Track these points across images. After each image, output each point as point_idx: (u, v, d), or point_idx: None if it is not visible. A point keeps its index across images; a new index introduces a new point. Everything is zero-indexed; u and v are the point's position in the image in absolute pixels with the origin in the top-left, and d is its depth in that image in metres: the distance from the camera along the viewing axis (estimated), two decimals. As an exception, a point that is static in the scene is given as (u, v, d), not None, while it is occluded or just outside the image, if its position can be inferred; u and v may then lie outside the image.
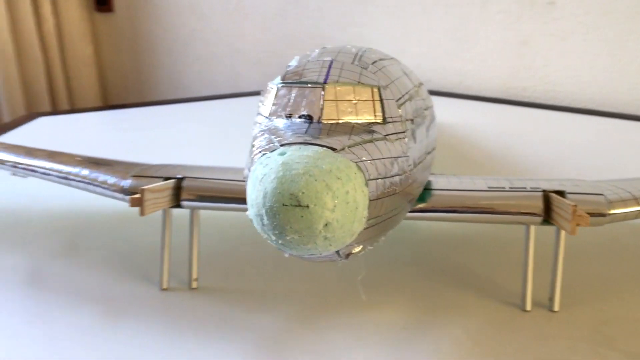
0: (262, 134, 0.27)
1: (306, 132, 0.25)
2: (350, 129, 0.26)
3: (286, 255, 0.26)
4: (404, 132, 0.29)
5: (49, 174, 0.48)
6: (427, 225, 0.50)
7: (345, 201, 0.23)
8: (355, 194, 0.24)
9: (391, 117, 0.28)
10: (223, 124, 1.03)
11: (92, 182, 0.45)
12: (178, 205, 0.43)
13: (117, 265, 0.50)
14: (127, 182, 0.44)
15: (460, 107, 1.04)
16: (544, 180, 0.43)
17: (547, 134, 0.90)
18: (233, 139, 0.86)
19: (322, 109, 0.27)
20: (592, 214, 0.39)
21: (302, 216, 0.23)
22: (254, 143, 0.27)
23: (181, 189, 0.42)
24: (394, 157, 0.27)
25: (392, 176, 0.27)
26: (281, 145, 0.24)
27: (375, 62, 0.30)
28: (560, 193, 0.40)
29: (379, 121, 0.27)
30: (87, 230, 0.57)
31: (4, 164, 0.51)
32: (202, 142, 0.90)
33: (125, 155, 0.64)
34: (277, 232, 0.24)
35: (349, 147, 0.25)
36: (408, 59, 1.16)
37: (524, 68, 1.04)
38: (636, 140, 0.86)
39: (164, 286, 0.45)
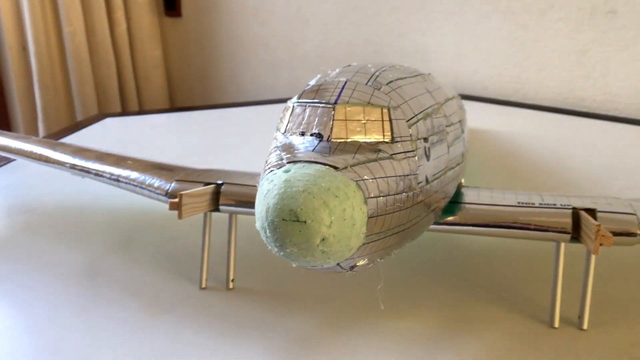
0: (275, 150, 0.28)
1: (314, 150, 0.27)
2: (357, 148, 0.27)
3: (293, 265, 0.27)
4: (413, 151, 0.29)
5: (101, 176, 0.51)
6: (457, 237, 0.50)
7: (342, 218, 0.24)
8: (352, 211, 0.25)
9: (400, 137, 0.29)
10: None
11: (139, 185, 0.48)
12: (217, 209, 0.45)
13: (163, 263, 0.53)
14: (170, 186, 0.47)
15: (516, 116, 1.03)
16: (578, 197, 0.42)
17: (603, 145, 0.87)
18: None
19: (331, 128, 0.28)
20: (622, 234, 0.38)
21: (300, 231, 0.24)
22: (267, 159, 0.28)
23: (220, 194, 0.45)
24: (400, 176, 0.28)
25: (397, 194, 0.28)
26: (287, 163, 0.26)
27: (391, 82, 0.31)
28: (591, 211, 0.40)
29: (387, 140, 0.28)
30: (140, 228, 0.60)
31: (63, 165, 0.55)
32: (260, 146, 0.93)
33: (185, 157, 0.67)
34: (278, 244, 0.25)
35: (352, 165, 0.26)
36: (465, 66, 1.16)
37: (582, 78, 1.02)
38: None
39: (203, 285, 0.48)
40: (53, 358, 0.40)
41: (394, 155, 0.28)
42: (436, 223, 0.41)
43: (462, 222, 0.41)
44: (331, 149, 0.27)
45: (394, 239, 0.29)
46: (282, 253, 0.25)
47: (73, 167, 0.54)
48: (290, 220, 0.24)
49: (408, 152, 0.29)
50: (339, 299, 0.46)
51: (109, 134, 1.02)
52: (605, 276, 0.46)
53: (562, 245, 0.40)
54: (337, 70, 0.33)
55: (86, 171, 0.53)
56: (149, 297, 0.47)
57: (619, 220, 0.39)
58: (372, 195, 0.26)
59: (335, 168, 0.25)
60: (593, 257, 0.40)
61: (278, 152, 0.28)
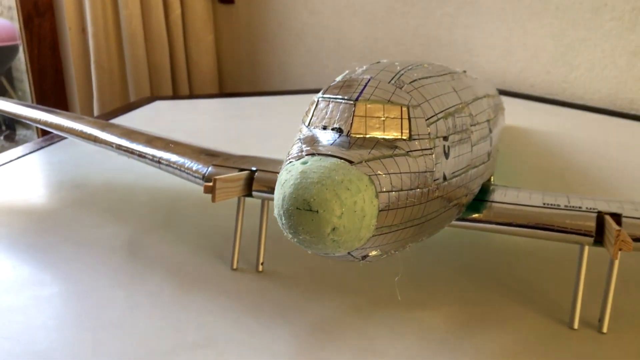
0: (298, 142, 0.30)
1: (334, 143, 0.28)
2: (374, 143, 0.28)
3: (308, 252, 0.28)
4: (431, 149, 0.30)
5: (144, 157, 0.54)
6: (482, 234, 0.50)
7: (353, 210, 0.26)
8: (363, 204, 0.26)
9: (418, 135, 0.30)
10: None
11: (179, 168, 0.50)
12: (250, 195, 0.47)
13: (198, 242, 0.55)
14: (207, 170, 0.49)
15: (562, 115, 1.01)
16: (606, 200, 0.42)
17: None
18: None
19: (351, 124, 0.29)
20: (647, 240, 0.38)
21: (312, 220, 0.25)
22: (289, 151, 0.30)
23: (253, 180, 0.46)
24: (415, 172, 0.29)
25: (410, 189, 0.29)
26: (306, 155, 0.27)
27: (414, 80, 0.32)
28: (617, 216, 0.40)
29: (404, 138, 0.29)
30: (179, 209, 0.63)
31: (110, 146, 0.58)
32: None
33: (229, 141, 0.69)
34: (292, 231, 0.26)
35: (367, 160, 0.27)
36: (512, 63, 1.14)
37: (633, 79, 0.99)
38: None
39: (234, 267, 0.50)
40: (91, 326, 0.43)
41: (410, 152, 0.29)
42: (461, 219, 0.42)
43: (486, 220, 0.42)
44: (350, 143, 0.28)
45: (407, 232, 0.30)
46: (295, 240, 0.27)
47: (119, 147, 0.57)
48: (303, 210, 0.25)
49: (425, 149, 0.30)
50: (362, 287, 0.47)
51: (158, 116, 1.05)
52: (630, 281, 0.46)
53: (586, 248, 0.41)
54: (365, 67, 0.34)
55: (130, 152, 0.55)
56: (183, 274, 0.50)
57: (645, 225, 0.39)
58: (385, 189, 0.27)
59: (351, 162, 0.27)
60: (617, 261, 0.40)
61: (299, 144, 0.29)
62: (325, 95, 0.31)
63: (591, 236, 0.39)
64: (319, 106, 0.31)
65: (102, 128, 0.60)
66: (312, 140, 0.29)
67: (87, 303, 0.46)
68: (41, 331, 0.42)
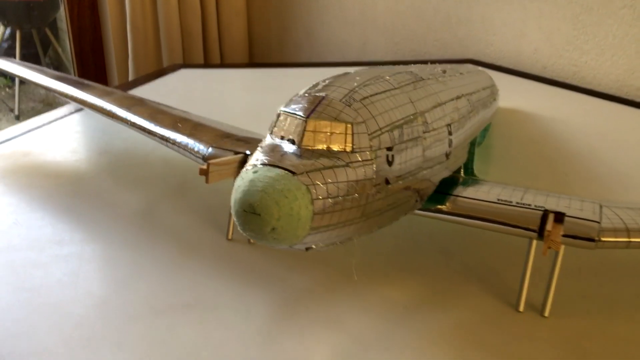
0: (259, 150, 0.34)
1: (285, 154, 0.32)
2: (319, 155, 0.33)
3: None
4: (371, 159, 0.35)
5: (154, 135, 0.59)
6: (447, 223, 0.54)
7: (289, 214, 0.30)
8: (299, 209, 0.31)
9: (360, 148, 0.34)
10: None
11: (183, 148, 0.56)
12: (243, 175, 0.52)
13: (202, 213, 0.61)
14: (207, 151, 0.54)
15: (570, 100, 1.03)
16: (558, 198, 0.46)
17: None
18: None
19: (302, 137, 0.33)
20: (582, 238, 0.42)
21: (255, 220, 0.30)
22: (251, 157, 0.35)
23: (246, 163, 0.51)
24: (353, 180, 0.33)
25: (348, 195, 0.33)
26: (260, 165, 0.32)
27: (365, 98, 0.36)
28: (561, 214, 0.44)
29: (347, 150, 0.34)
30: (189, 180, 0.68)
31: (117, 119, 0.63)
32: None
33: (248, 114, 0.74)
34: (241, 227, 0.32)
35: (308, 171, 0.32)
36: (526, 44, 1.16)
37: (641, 67, 1.00)
38: None
39: (229, 237, 0.55)
40: (100, 284, 0.49)
41: (350, 164, 0.33)
42: (425, 209, 0.47)
43: (447, 212, 0.46)
44: (300, 154, 0.33)
45: (347, 229, 0.35)
46: (245, 234, 0.32)
47: (133, 125, 0.62)
48: (249, 212, 0.30)
49: (366, 160, 0.34)
50: (337, 264, 0.52)
51: (181, 85, 1.10)
52: (574, 270, 0.50)
53: (534, 241, 0.45)
54: (327, 81, 0.38)
55: (142, 129, 0.61)
56: (185, 241, 0.55)
57: (583, 225, 0.43)
58: (320, 197, 0.32)
59: (294, 173, 0.31)
60: (561, 254, 0.45)
61: (258, 152, 0.34)
62: (285, 110, 0.36)
63: (535, 232, 0.43)
64: (280, 118, 0.35)
65: (128, 108, 0.66)
66: (269, 150, 0.33)
67: (98, 263, 0.52)
68: (58, 286, 0.48)
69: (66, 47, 2.52)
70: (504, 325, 0.45)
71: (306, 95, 0.36)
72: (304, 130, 0.33)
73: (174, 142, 0.56)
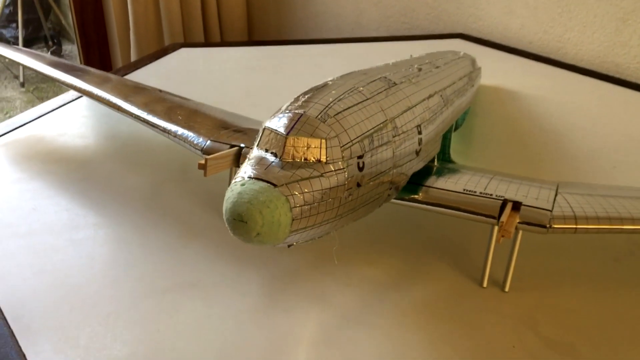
0: (246, 162, 0.39)
1: (269, 166, 0.37)
2: (298, 167, 0.38)
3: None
4: (343, 168, 0.40)
5: (155, 127, 0.64)
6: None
7: (271, 221, 0.35)
8: (279, 217, 0.36)
9: (332, 159, 0.39)
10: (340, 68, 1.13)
11: (183, 140, 0.61)
12: (238, 167, 0.57)
13: (201, 196, 0.66)
14: (206, 144, 0.59)
15: (552, 76, 1.07)
16: (521, 185, 0.51)
17: (626, 113, 0.92)
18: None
19: (283, 151, 0.38)
20: (536, 225, 0.48)
21: (243, 227, 0.35)
22: (240, 168, 0.40)
23: (241, 155, 0.56)
24: (327, 188, 0.38)
25: (322, 201, 0.38)
26: (247, 178, 0.37)
27: (338, 113, 0.41)
28: (518, 203, 0.49)
29: (322, 161, 0.39)
30: (190, 164, 0.73)
31: (116, 109, 0.68)
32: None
33: (248, 95, 0.77)
34: (231, 232, 0.37)
35: (287, 183, 0.37)
36: (513, 19, 1.19)
37: (619, 45, 1.03)
38: None
39: (227, 219, 0.61)
40: (112, 265, 0.55)
41: (324, 174, 0.38)
42: (401, 198, 0.52)
43: (420, 201, 0.51)
44: (281, 166, 0.38)
45: (324, 227, 0.40)
46: (235, 237, 0.37)
47: (132, 116, 0.66)
48: (237, 220, 0.36)
49: (338, 169, 0.39)
50: (322, 246, 0.57)
51: (182, 65, 1.14)
52: (534, 249, 0.55)
53: (495, 226, 0.50)
54: (307, 96, 0.43)
55: (141, 120, 0.65)
56: (187, 225, 0.61)
57: (537, 213, 0.48)
58: (297, 205, 0.37)
59: (275, 185, 0.36)
60: (519, 237, 0.50)
61: (246, 164, 0.39)
62: (269, 125, 0.40)
63: (495, 219, 0.49)
64: (264, 133, 0.40)
65: (125, 97, 0.70)
66: (255, 162, 0.38)
67: (110, 246, 0.58)
68: (76, 267, 0.54)
69: (67, 13, 2.53)
70: (469, 300, 0.51)
71: (287, 111, 0.41)
72: (284, 145, 0.38)
73: (175, 135, 0.61)
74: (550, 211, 0.48)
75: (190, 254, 0.56)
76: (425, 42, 1.28)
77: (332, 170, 0.39)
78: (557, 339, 0.47)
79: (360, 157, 0.41)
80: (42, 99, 2.79)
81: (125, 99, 0.69)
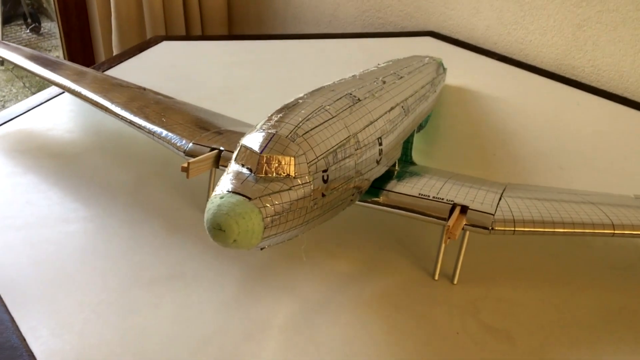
0: (225, 175, 0.44)
1: (244, 180, 0.43)
2: (269, 181, 0.43)
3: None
4: (309, 182, 0.45)
5: (141, 128, 0.68)
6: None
7: (245, 230, 0.41)
8: (253, 226, 0.41)
9: (300, 174, 0.44)
10: (314, 64, 1.17)
11: (167, 142, 0.65)
12: (217, 167, 0.62)
13: (182, 191, 0.70)
14: (188, 146, 0.63)
15: (515, 78, 1.13)
16: (470, 188, 0.57)
17: (577, 116, 0.98)
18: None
19: (257, 167, 0.44)
20: (479, 226, 0.53)
21: (221, 235, 0.41)
22: (222, 177, 0.45)
23: (221, 158, 0.61)
24: (295, 200, 0.44)
25: (290, 211, 0.44)
26: (225, 192, 0.42)
27: (306, 132, 0.46)
28: (465, 207, 0.55)
29: (292, 176, 0.44)
30: (171, 160, 0.78)
31: (113, 114, 0.72)
32: (303, 82, 1.07)
33: (229, 90, 0.82)
34: (211, 238, 0.42)
35: (260, 197, 0.42)
36: (480, 20, 1.24)
37: (575, 49, 1.09)
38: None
39: (207, 213, 0.66)
40: (102, 256, 0.59)
41: (292, 187, 0.44)
42: (364, 201, 0.57)
43: (381, 203, 0.57)
44: (256, 180, 0.43)
45: (293, 232, 0.46)
46: (214, 241, 0.42)
47: (123, 119, 0.71)
48: (216, 229, 0.41)
49: (305, 183, 0.44)
50: (294, 243, 0.62)
51: (168, 59, 1.16)
52: (481, 246, 0.61)
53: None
54: (279, 115, 0.48)
55: (128, 122, 0.70)
56: (170, 218, 0.66)
57: (481, 216, 0.54)
58: (269, 216, 0.42)
59: (249, 198, 0.42)
60: (467, 237, 0.56)
61: (225, 178, 0.44)
62: (244, 143, 0.45)
63: (446, 220, 0.54)
64: (241, 149, 0.45)
65: (105, 95, 0.74)
66: (233, 177, 0.43)
67: (100, 238, 0.62)
68: (69, 259, 0.59)
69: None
70: (422, 291, 0.57)
71: (262, 130, 0.46)
72: (258, 162, 0.44)
73: (159, 137, 0.66)
74: (493, 215, 0.54)
75: (174, 247, 0.61)
76: (397, 39, 1.33)
77: (299, 184, 0.44)
78: (496, 326, 0.53)
79: (325, 170, 0.46)
80: (21, 78, 2.79)
81: (109, 99, 0.73)
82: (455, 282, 0.58)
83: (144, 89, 0.82)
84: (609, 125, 0.95)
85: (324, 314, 0.54)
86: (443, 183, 0.59)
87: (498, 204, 0.56)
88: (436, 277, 0.58)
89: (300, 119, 0.47)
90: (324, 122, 0.48)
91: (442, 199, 0.55)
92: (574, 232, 0.53)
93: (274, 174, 0.43)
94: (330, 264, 0.60)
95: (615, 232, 0.52)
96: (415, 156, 0.71)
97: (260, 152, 0.44)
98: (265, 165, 0.43)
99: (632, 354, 0.51)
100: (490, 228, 0.53)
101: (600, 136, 0.91)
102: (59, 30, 1.96)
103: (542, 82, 1.10)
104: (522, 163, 0.82)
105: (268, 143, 0.44)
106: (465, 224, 0.54)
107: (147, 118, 0.68)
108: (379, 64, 0.75)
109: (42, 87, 2.65)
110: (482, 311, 0.55)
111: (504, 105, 1.00)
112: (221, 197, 0.42)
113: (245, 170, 0.44)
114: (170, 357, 0.49)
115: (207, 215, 0.42)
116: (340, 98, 0.53)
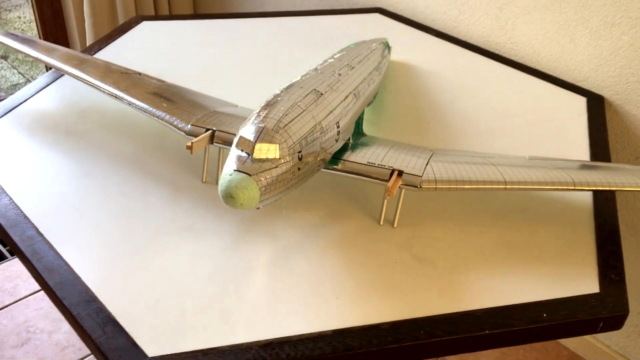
0: (230, 157, 0.60)
1: (245, 162, 0.59)
2: (262, 162, 0.59)
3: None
4: (289, 160, 0.61)
5: (133, 104, 0.82)
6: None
7: (248, 197, 0.57)
8: (253, 194, 0.57)
9: (283, 156, 0.60)
10: (274, 43, 1.30)
11: (164, 120, 0.79)
12: (212, 143, 0.77)
13: (181, 160, 0.85)
14: (187, 128, 0.78)
15: (450, 53, 1.29)
16: (407, 155, 0.74)
17: (500, 87, 1.15)
18: (277, 59, 1.16)
19: (252, 152, 0.59)
20: (411, 186, 0.71)
21: (232, 200, 0.57)
22: (227, 158, 0.60)
23: (214, 137, 0.76)
24: (280, 173, 0.60)
25: (277, 181, 0.60)
26: (233, 171, 0.58)
27: (286, 125, 0.62)
28: (400, 172, 0.72)
29: (277, 158, 0.60)
30: (169, 132, 0.92)
31: (111, 95, 0.85)
32: (273, 61, 1.20)
33: (210, 68, 0.96)
34: (224, 202, 0.58)
35: (256, 173, 0.58)
36: (421, 0, 1.38)
37: (499, 28, 1.26)
38: (566, 106, 1.11)
39: (204, 180, 0.81)
40: (119, 214, 0.75)
41: (278, 165, 0.60)
42: (328, 168, 0.74)
43: (340, 169, 0.74)
44: (252, 161, 0.59)
45: (279, 195, 0.62)
46: (226, 204, 0.58)
47: (119, 98, 0.84)
48: (228, 197, 0.57)
49: (286, 162, 0.60)
50: (276, 202, 0.79)
51: (150, 41, 1.25)
52: (415, 199, 0.79)
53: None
54: (265, 111, 0.63)
55: (129, 103, 0.83)
56: (172, 185, 0.80)
57: (412, 178, 0.71)
58: (263, 186, 0.58)
59: (250, 175, 0.58)
60: (402, 192, 0.73)
61: (230, 159, 0.60)
62: (242, 134, 0.61)
63: (387, 182, 0.72)
64: (240, 138, 0.61)
65: (103, 79, 0.87)
66: (236, 159, 0.59)
67: (120, 201, 0.77)
68: (94, 212, 0.74)
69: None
70: (370, 233, 0.75)
71: (254, 124, 0.61)
72: (253, 148, 0.60)
73: (160, 117, 0.80)
74: (421, 177, 0.71)
75: (182, 206, 0.77)
76: (349, 16, 1.47)
77: (282, 163, 0.60)
78: (424, 256, 0.71)
79: (299, 152, 0.62)
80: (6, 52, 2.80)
81: (120, 88, 0.86)
82: (395, 226, 0.75)
83: (139, 73, 0.95)
84: (524, 95, 1.13)
85: (299, 253, 0.71)
86: (385, 152, 0.75)
87: (425, 168, 0.73)
88: (381, 223, 0.76)
89: (280, 115, 0.63)
90: (297, 115, 0.64)
91: (384, 165, 0.72)
92: (478, 187, 0.71)
93: (265, 156, 0.60)
94: (303, 216, 0.76)
95: (507, 187, 0.71)
96: (366, 127, 0.88)
97: (255, 142, 0.60)
98: (259, 151, 0.59)
99: (523, 274, 0.70)
100: (419, 186, 0.71)
101: (515, 104, 1.09)
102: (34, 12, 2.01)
103: (472, 56, 1.27)
104: (449, 130, 0.99)
105: (259, 134, 0.60)
106: (401, 184, 0.71)
107: (151, 104, 0.82)
108: (334, 55, 0.90)
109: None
110: (414, 246, 0.73)
111: (439, 79, 1.16)
112: (230, 175, 0.58)
113: (244, 154, 0.60)
114: (186, 287, 0.65)
115: (221, 187, 0.58)
116: (308, 94, 0.69)
